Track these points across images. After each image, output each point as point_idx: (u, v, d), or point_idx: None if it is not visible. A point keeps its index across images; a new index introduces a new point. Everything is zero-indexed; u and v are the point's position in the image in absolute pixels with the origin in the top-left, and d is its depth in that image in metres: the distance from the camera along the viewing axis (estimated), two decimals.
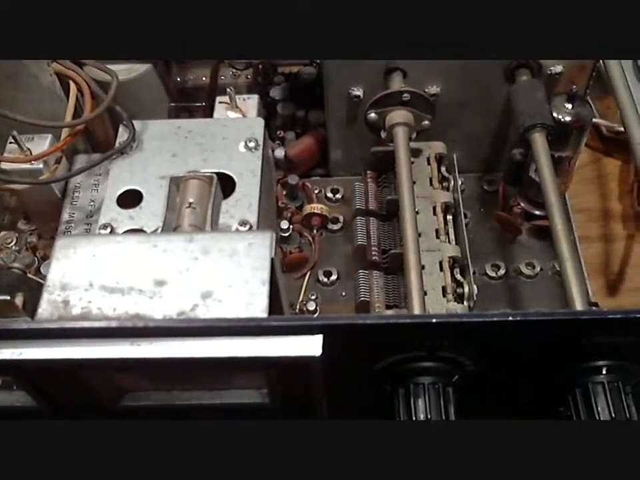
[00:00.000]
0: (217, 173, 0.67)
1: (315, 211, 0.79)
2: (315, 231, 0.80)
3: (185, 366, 0.50)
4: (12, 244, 0.80)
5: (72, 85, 0.72)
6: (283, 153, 0.85)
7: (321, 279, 0.76)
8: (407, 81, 0.73)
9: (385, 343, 0.50)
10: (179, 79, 0.85)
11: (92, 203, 0.76)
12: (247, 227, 0.63)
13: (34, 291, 0.57)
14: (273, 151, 0.85)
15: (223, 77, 0.86)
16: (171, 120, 0.73)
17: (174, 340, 0.48)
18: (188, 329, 0.48)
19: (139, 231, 0.63)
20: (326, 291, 0.76)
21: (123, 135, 0.71)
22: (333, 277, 0.77)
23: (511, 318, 0.47)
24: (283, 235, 0.77)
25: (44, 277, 0.73)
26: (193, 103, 0.84)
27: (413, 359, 0.51)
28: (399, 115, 0.70)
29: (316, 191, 0.84)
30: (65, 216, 0.75)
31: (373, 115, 0.71)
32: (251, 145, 0.69)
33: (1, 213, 0.83)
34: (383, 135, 0.72)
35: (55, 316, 0.50)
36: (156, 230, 0.62)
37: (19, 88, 0.72)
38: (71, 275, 0.52)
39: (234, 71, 0.86)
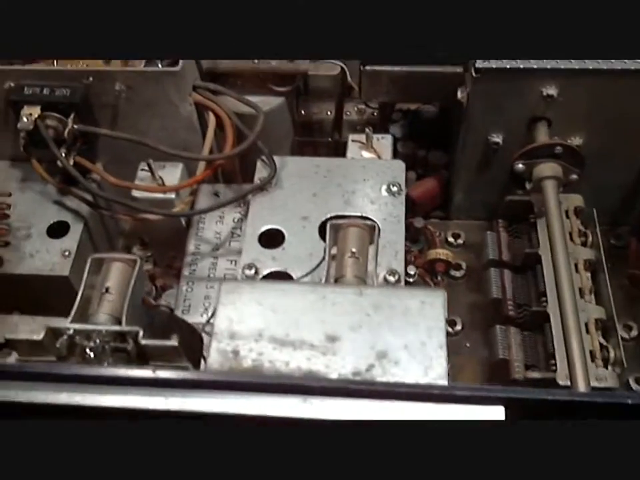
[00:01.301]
0: (359, 217, 0.66)
1: (440, 257, 0.77)
2: (438, 277, 0.78)
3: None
4: None
5: (211, 116, 0.71)
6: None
7: None
8: (551, 131, 0.70)
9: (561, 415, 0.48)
10: (303, 112, 0.83)
11: (217, 235, 0.75)
12: (396, 277, 0.61)
13: (184, 331, 0.56)
14: None
15: (348, 113, 0.85)
16: (309, 157, 0.71)
17: (348, 400, 0.46)
18: (366, 392, 0.46)
19: (284, 274, 0.62)
20: (449, 340, 0.74)
21: (261, 170, 0.70)
22: (457, 327, 0.75)
23: None
24: (409, 280, 0.75)
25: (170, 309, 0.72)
26: (317, 138, 0.83)
27: None
28: (548, 168, 0.68)
29: (436, 234, 0.82)
30: (191, 247, 0.74)
31: (520, 165, 0.69)
32: (394, 189, 0.68)
33: (115, 237, 0.82)
34: (528, 186, 0.70)
35: (226, 367, 0.48)
36: (304, 275, 0.60)
37: (156, 116, 0.72)
38: (238, 323, 0.50)
39: (360, 107, 0.85)
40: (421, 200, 0.82)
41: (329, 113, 0.84)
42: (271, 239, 0.65)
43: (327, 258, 0.58)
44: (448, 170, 0.84)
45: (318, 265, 0.60)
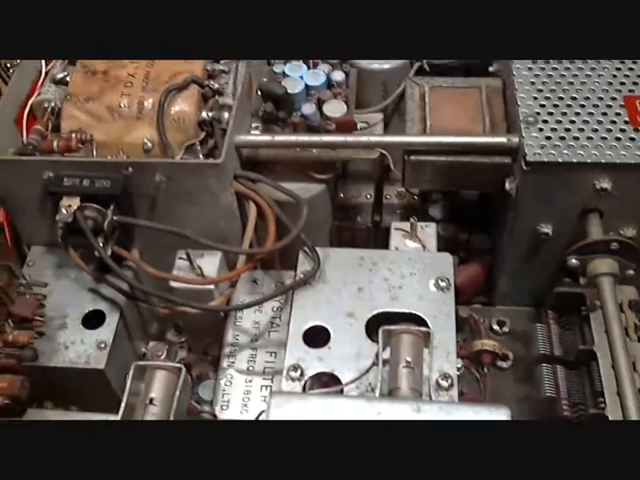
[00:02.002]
0: (407, 314, 0.63)
1: (487, 348, 0.74)
2: (485, 369, 0.74)
3: None
4: (162, 357, 0.77)
5: (252, 207, 0.69)
6: None
7: None
8: (603, 222, 0.68)
9: None
10: (342, 195, 0.82)
11: (256, 325, 0.73)
12: (449, 382, 0.58)
13: None
14: None
15: (388, 196, 0.83)
16: (353, 249, 0.69)
17: None
18: None
19: (331, 376, 0.59)
20: None
21: (304, 263, 0.68)
22: None
23: None
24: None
25: (202, 400, 0.70)
26: (356, 221, 0.81)
27: None
28: (604, 265, 0.65)
29: (480, 322, 0.79)
30: (229, 338, 0.72)
31: (574, 261, 0.66)
32: (443, 284, 0.65)
33: (149, 322, 0.80)
34: (583, 281, 0.67)
35: None
36: (354, 380, 0.57)
37: (196, 204, 0.70)
38: None
39: (399, 190, 0.83)
40: (466, 287, 0.79)
41: (368, 196, 0.82)
42: (316, 336, 0.63)
43: (379, 365, 0.56)
44: (491, 254, 0.82)
45: (368, 370, 0.58)
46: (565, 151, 0.65)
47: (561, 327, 0.73)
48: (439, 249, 0.83)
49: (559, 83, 0.71)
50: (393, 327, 0.57)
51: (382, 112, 0.85)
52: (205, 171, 0.67)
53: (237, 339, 0.72)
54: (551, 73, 0.72)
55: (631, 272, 0.67)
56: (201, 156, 0.70)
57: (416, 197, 0.83)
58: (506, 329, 0.79)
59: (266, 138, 0.71)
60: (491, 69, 0.80)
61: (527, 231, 0.71)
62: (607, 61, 0.72)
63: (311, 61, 0.79)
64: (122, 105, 0.73)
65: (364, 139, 0.71)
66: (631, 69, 0.72)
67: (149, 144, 0.70)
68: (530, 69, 0.72)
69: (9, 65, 0.88)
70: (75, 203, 0.66)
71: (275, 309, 0.73)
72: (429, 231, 0.73)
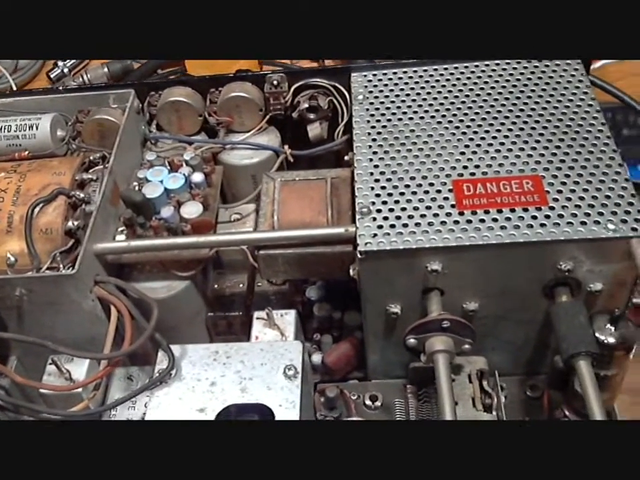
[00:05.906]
0: (256, 405, 0.67)
1: None
2: None
3: None
4: None
5: (113, 311, 0.73)
6: (320, 359, 0.84)
7: None
8: (444, 299, 0.72)
9: None
10: (216, 286, 0.86)
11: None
12: None
13: None
14: (310, 356, 0.85)
15: (259, 284, 0.87)
16: (209, 344, 0.73)
17: None
18: None
19: None
20: None
21: (162, 362, 0.71)
22: None
23: None
24: None
25: None
26: (230, 312, 0.84)
27: None
28: (439, 342, 0.69)
29: (354, 397, 0.82)
30: None
31: (412, 340, 0.70)
32: (290, 372, 0.69)
33: None
34: (423, 358, 0.71)
35: None
36: None
37: (60, 312, 0.74)
38: None
39: None
40: (336, 366, 0.83)
41: (241, 285, 0.86)
42: None
43: None
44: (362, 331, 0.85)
45: None
46: (394, 239, 0.69)
47: (419, 400, 0.76)
48: (316, 329, 0.88)
49: (395, 172, 0.76)
50: None
51: (255, 202, 0.90)
52: (61, 282, 0.71)
53: None
54: (389, 163, 0.77)
55: (467, 346, 0.71)
56: (61, 266, 0.74)
57: (286, 282, 0.87)
58: (378, 403, 0.82)
59: (122, 244, 0.76)
60: (346, 157, 0.86)
61: (377, 311, 0.75)
62: (439, 146, 0.78)
63: (175, 163, 0.83)
64: None
65: (213, 238, 0.75)
66: (462, 152, 0.77)
67: (12, 258, 0.74)
68: (370, 160, 0.77)
69: None
70: None
71: (146, 405, 0.76)
72: (287, 319, 0.77)
